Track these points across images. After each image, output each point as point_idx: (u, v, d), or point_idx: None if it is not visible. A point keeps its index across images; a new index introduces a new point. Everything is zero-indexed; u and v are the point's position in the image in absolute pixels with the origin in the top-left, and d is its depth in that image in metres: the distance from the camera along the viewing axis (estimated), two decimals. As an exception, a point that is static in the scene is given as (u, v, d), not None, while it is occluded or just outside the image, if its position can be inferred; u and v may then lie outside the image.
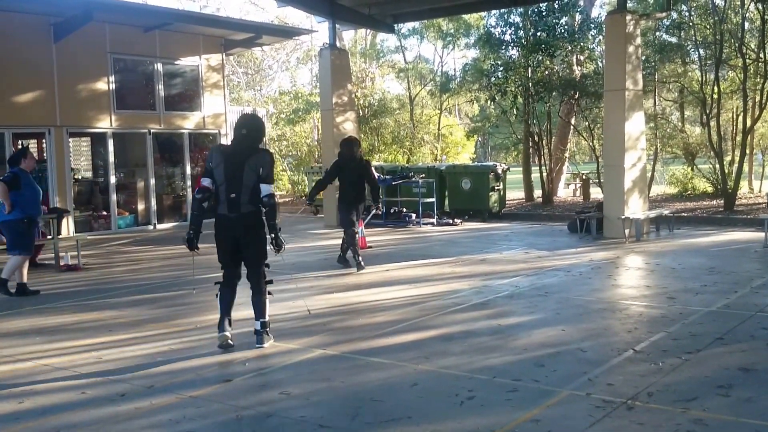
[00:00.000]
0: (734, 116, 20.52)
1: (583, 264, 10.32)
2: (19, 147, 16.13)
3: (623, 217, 12.88)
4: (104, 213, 16.54)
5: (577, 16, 20.78)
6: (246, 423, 4.51)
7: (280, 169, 28.63)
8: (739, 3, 18.02)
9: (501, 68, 20.25)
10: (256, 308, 6.19)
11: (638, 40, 14.03)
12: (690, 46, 20.32)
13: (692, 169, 20.45)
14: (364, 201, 10.51)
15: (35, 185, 9.41)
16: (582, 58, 20.77)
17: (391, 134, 26.84)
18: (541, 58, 19.36)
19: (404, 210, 17.12)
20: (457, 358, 5.71)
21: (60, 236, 12.13)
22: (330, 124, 17.44)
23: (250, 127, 6.13)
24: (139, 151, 17.34)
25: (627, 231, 12.78)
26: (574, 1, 19.61)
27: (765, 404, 4.56)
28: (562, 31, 19.45)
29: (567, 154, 23.53)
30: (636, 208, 13.46)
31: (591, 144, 20.71)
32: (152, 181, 17.19)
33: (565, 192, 23.90)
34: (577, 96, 19.60)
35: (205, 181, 6.14)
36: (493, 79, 20.46)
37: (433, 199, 16.89)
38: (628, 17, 13.49)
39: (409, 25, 26.40)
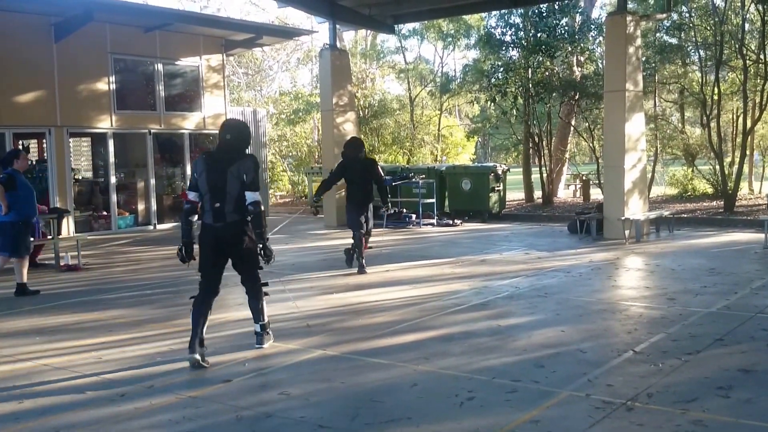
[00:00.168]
0: (734, 117, 20.52)
1: (583, 265, 10.32)
2: (20, 147, 16.18)
3: (623, 218, 12.88)
4: (104, 213, 16.55)
5: (578, 17, 20.78)
6: (245, 423, 4.51)
7: (281, 169, 28.65)
8: (739, 4, 18.02)
9: (501, 69, 20.26)
10: (253, 312, 6.13)
11: (638, 41, 14.04)
12: (690, 48, 20.32)
13: (692, 171, 20.45)
14: (372, 201, 10.26)
15: (29, 185, 9.42)
16: (582, 59, 20.78)
17: (391, 135, 26.85)
18: (541, 59, 19.37)
19: (404, 210, 17.13)
20: (456, 359, 5.71)
21: (60, 236, 12.14)
22: (330, 125, 17.45)
23: (234, 133, 5.92)
24: (139, 152, 17.35)
25: (627, 232, 12.78)
26: (574, 2, 19.62)
27: (765, 405, 4.56)
28: (563, 32, 19.46)
29: (567, 155, 23.53)
30: (636, 209, 13.46)
31: (591, 145, 20.71)
32: (152, 182, 17.20)
33: (565, 193, 23.90)
34: (577, 97, 19.60)
35: (191, 195, 5.95)
36: (493, 79, 20.47)
37: (433, 200, 16.90)
38: (629, 18, 13.50)
39: (410, 25, 26.39)
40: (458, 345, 6.14)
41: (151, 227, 16.96)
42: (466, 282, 9.16)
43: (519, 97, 19.85)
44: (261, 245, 5.88)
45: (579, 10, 21.08)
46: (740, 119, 18.90)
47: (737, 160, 17.86)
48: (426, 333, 6.61)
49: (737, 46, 17.45)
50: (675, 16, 18.86)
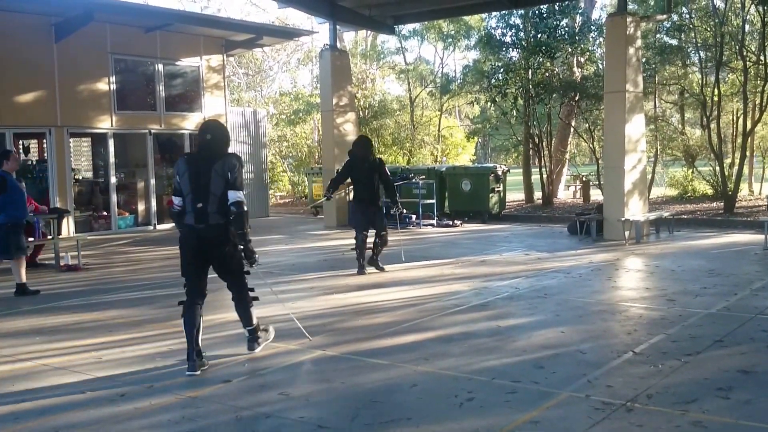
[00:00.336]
0: (734, 119, 20.52)
1: (583, 266, 10.32)
2: (20, 147, 16.19)
3: (623, 219, 12.88)
4: (104, 213, 16.56)
5: (578, 18, 20.78)
6: (245, 423, 4.51)
7: (281, 170, 28.65)
8: (739, 5, 18.03)
9: (501, 70, 20.26)
10: (241, 318, 5.97)
11: (639, 42, 14.04)
12: (690, 49, 20.33)
13: (692, 172, 20.45)
14: (379, 201, 10.08)
15: (20, 188, 9.39)
16: (582, 60, 20.79)
17: (391, 135, 26.86)
18: (541, 59, 19.37)
19: (404, 211, 17.11)
20: (456, 360, 5.72)
21: (60, 236, 12.14)
22: (330, 125, 17.46)
23: (214, 132, 5.73)
24: (139, 152, 17.37)
25: (627, 233, 12.78)
26: (574, 3, 19.62)
27: (764, 406, 4.56)
28: (563, 33, 19.46)
29: (567, 156, 23.54)
30: (636, 210, 13.46)
31: (591, 146, 20.71)
32: (152, 182, 17.22)
33: (565, 194, 23.90)
34: (577, 98, 19.61)
35: (176, 200, 5.75)
36: (493, 80, 20.47)
37: (433, 201, 16.90)
38: (629, 19, 13.51)
39: (410, 26, 26.41)
40: (458, 346, 6.14)
41: (151, 227, 16.97)
42: (466, 283, 9.16)
43: (519, 98, 19.86)
44: (242, 246, 5.66)
45: (579, 11, 21.09)
46: (740, 120, 18.91)
47: (737, 161, 17.87)
48: (426, 333, 6.61)
49: (737, 47, 17.46)
50: (675, 17, 18.87)
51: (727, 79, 20.38)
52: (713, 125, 18.46)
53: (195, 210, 5.59)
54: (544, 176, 20.51)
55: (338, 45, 18.31)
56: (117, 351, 6.24)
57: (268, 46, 25.41)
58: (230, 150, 5.88)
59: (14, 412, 4.79)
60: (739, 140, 18.07)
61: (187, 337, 5.57)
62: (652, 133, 19.56)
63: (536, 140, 20.78)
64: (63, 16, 15.07)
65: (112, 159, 16.51)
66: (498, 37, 20.45)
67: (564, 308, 7.54)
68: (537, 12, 19.29)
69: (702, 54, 19.69)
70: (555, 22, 19.20)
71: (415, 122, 27.21)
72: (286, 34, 22.86)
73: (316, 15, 18.33)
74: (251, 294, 5.97)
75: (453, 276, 9.75)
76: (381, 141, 26.46)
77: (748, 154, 19.54)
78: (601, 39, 18.88)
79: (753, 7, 17.48)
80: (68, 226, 14.96)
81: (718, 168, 17.84)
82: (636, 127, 13.64)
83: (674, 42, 20.21)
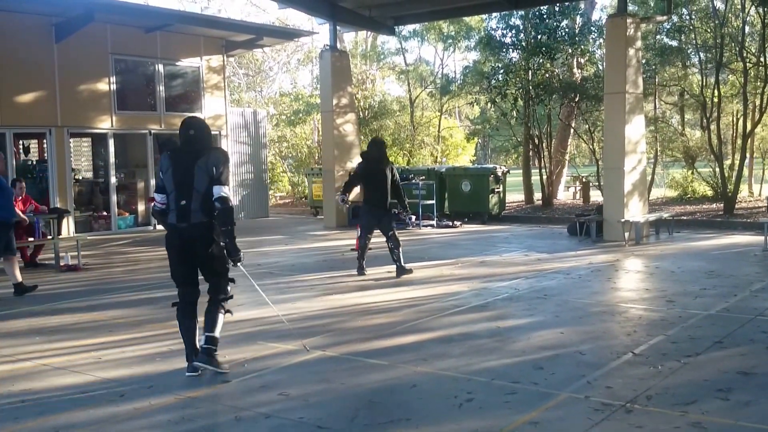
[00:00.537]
0: (734, 120, 20.53)
1: (583, 267, 10.32)
2: (20, 147, 16.20)
3: (623, 220, 12.89)
4: (104, 213, 16.57)
5: (578, 19, 20.79)
6: (244, 424, 4.51)
7: (281, 170, 28.66)
8: (739, 6, 18.04)
9: (501, 71, 20.27)
10: (206, 320, 5.52)
11: (639, 44, 14.05)
12: (690, 50, 20.35)
13: (692, 173, 20.46)
14: (388, 203, 9.88)
15: (9, 188, 9.42)
16: (582, 61, 20.80)
17: (391, 136, 26.85)
18: (541, 60, 19.38)
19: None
20: (455, 360, 5.72)
21: (60, 236, 12.14)
22: (330, 126, 17.47)
23: (196, 128, 5.53)
24: (139, 152, 17.37)
25: (627, 234, 12.79)
26: (574, 4, 19.63)
27: (764, 408, 4.57)
28: (563, 34, 19.47)
29: (567, 157, 23.55)
30: (636, 211, 13.46)
31: (591, 147, 20.72)
32: (153, 182, 17.19)
33: (565, 195, 23.91)
34: (577, 99, 19.61)
35: (159, 197, 5.53)
36: (493, 81, 20.48)
37: (433, 201, 16.91)
38: (629, 20, 13.51)
39: (410, 27, 26.41)
40: (457, 346, 6.14)
41: (151, 228, 16.96)
42: (466, 283, 9.16)
43: (519, 99, 19.87)
44: (225, 243, 5.41)
45: (579, 12, 21.10)
46: (740, 122, 18.92)
47: (737, 162, 17.88)
48: (425, 334, 6.61)
49: (737, 48, 17.47)
50: (675, 19, 18.89)
51: (727, 80, 20.40)
52: (713, 126, 18.48)
53: (178, 208, 5.39)
54: (544, 177, 20.51)
55: (338, 46, 18.32)
56: (117, 351, 6.24)
57: (268, 46, 25.39)
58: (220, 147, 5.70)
59: (14, 413, 4.79)
60: (739, 141, 18.08)
61: (183, 340, 5.55)
62: (652, 134, 19.58)
63: (536, 141, 20.79)
64: (63, 16, 15.08)
65: (112, 159, 16.52)
66: (498, 38, 20.46)
67: (563, 309, 7.54)
68: (537, 13, 19.30)
69: (702, 55, 19.72)
70: (555, 23, 19.21)
71: (415, 123, 27.22)
72: (287, 34, 22.87)
73: (316, 15, 18.34)
74: (226, 306, 5.61)
75: (453, 277, 9.75)
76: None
77: (748, 155, 19.57)
78: (601, 40, 18.90)
79: (753, 8, 17.49)
80: (68, 226, 14.97)
81: (717, 169, 17.85)
82: (636, 128, 13.65)
83: (674, 43, 20.22)
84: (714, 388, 4.90)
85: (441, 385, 5.17)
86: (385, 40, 32.38)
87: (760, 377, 5.16)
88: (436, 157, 27.01)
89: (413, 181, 17.07)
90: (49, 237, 11.54)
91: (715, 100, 18.33)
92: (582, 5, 22.41)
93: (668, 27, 19.41)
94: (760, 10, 16.63)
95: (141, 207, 17.32)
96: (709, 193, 19.28)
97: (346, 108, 17.72)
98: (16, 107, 14.74)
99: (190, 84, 18.30)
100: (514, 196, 22.34)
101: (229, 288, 5.63)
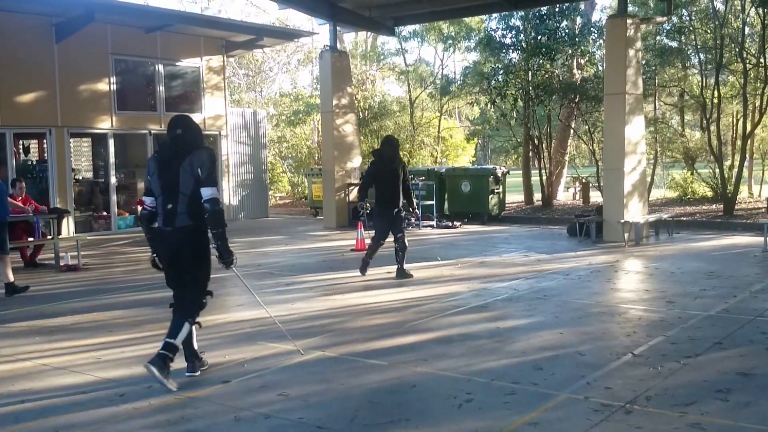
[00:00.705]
0: (734, 121, 20.53)
1: (583, 267, 10.33)
2: (20, 147, 16.20)
3: (623, 220, 12.89)
4: (104, 213, 16.58)
5: (578, 20, 20.80)
6: (244, 424, 4.52)
7: (280, 170, 28.67)
8: (739, 7, 18.05)
9: (501, 71, 20.28)
10: (171, 325, 5.29)
11: (639, 44, 14.06)
12: (690, 51, 20.35)
13: (692, 174, 20.47)
14: (400, 203, 9.70)
15: (2, 187, 9.41)
16: (582, 61, 20.80)
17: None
18: (541, 61, 19.39)
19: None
20: (455, 361, 5.72)
21: (60, 236, 12.14)
22: (330, 126, 17.47)
23: (184, 127, 5.33)
24: (139, 152, 17.37)
25: (626, 235, 12.79)
26: (574, 5, 19.64)
27: (763, 409, 4.57)
28: (563, 34, 19.48)
29: (567, 158, 23.54)
30: (635, 211, 13.47)
31: (591, 148, 20.72)
32: (152, 183, 17.19)
33: (565, 195, 23.91)
34: (577, 99, 19.62)
35: (147, 200, 5.38)
36: (493, 82, 20.49)
37: (433, 202, 16.91)
38: (629, 21, 13.52)
39: (410, 27, 26.40)
40: (457, 347, 6.14)
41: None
42: (465, 284, 9.17)
43: (519, 100, 19.88)
44: (216, 247, 5.22)
45: (579, 13, 21.12)
46: (740, 123, 18.92)
47: (737, 163, 17.88)
48: (425, 335, 6.61)
49: (737, 49, 17.48)
50: (675, 20, 18.90)
51: (726, 81, 20.40)
52: (713, 127, 18.48)
53: (165, 212, 5.21)
54: (544, 178, 20.52)
55: (338, 46, 18.33)
56: (117, 351, 6.24)
57: (268, 47, 25.43)
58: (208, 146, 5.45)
59: (14, 412, 4.79)
60: (739, 142, 18.08)
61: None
62: (651, 135, 19.58)
63: (536, 142, 20.79)
64: (64, 16, 15.09)
65: (112, 159, 16.52)
66: (498, 39, 20.46)
67: (563, 310, 7.55)
68: (537, 14, 19.31)
69: (702, 56, 19.72)
70: (555, 24, 19.22)
71: (414, 123, 27.22)
72: (287, 35, 22.89)
73: (316, 16, 18.35)
74: (197, 317, 5.37)
75: (452, 277, 9.75)
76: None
77: (747, 156, 19.56)
78: (601, 41, 18.90)
79: (753, 9, 17.50)
80: (68, 226, 14.98)
81: (717, 170, 17.85)
82: (636, 129, 13.65)
83: (674, 44, 20.23)
84: (713, 389, 4.90)
85: (440, 385, 5.17)
86: (385, 41, 32.40)
87: (760, 378, 5.16)
88: (436, 158, 27.01)
89: (413, 181, 17.05)
90: (49, 237, 11.55)
91: (715, 101, 18.33)
92: (582, 6, 22.42)
93: (668, 28, 19.42)
94: (760, 11, 16.64)
95: (141, 207, 17.32)
96: (709, 194, 19.28)
97: (345, 108, 17.72)
98: (16, 107, 14.75)
99: (190, 84, 18.31)
100: (514, 197, 22.35)
101: (205, 300, 5.41)
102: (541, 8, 18.95)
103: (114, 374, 5.57)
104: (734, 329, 6.54)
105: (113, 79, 16.39)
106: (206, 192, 5.13)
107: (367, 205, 9.69)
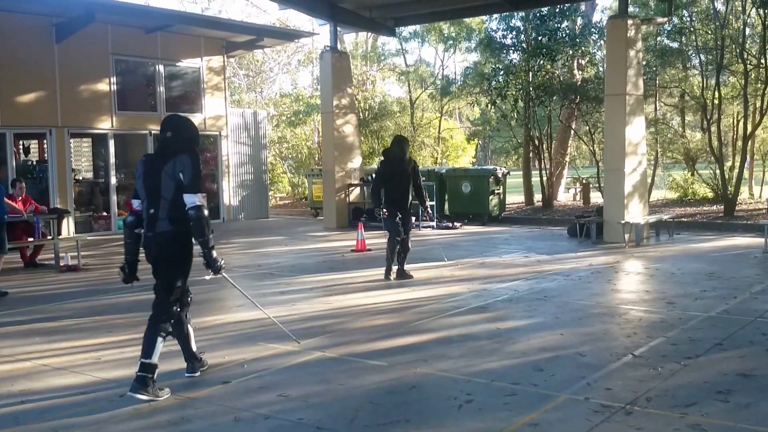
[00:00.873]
0: (735, 122, 20.54)
1: (583, 268, 10.32)
2: (20, 147, 16.20)
3: (623, 221, 12.88)
4: (104, 214, 16.58)
5: (579, 21, 20.79)
6: (244, 425, 4.51)
7: (281, 171, 28.67)
8: (740, 8, 18.04)
9: (502, 72, 20.27)
10: (143, 343, 5.06)
11: (639, 45, 14.05)
12: (691, 52, 20.34)
13: (692, 175, 20.47)
14: (409, 203, 9.60)
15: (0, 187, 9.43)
16: (583, 62, 20.81)
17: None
18: (542, 62, 19.39)
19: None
20: (455, 362, 5.71)
21: (60, 237, 12.15)
22: (330, 127, 17.47)
23: (175, 129, 5.13)
24: (139, 152, 17.30)
25: (627, 236, 12.78)
26: (575, 6, 19.64)
27: (764, 410, 4.56)
28: (564, 35, 19.47)
29: (567, 159, 23.54)
30: (636, 212, 13.46)
31: (591, 148, 20.71)
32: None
33: (565, 196, 23.91)
34: (577, 100, 19.61)
35: (135, 203, 5.24)
36: (493, 82, 20.48)
37: (433, 203, 16.86)
38: (630, 22, 13.52)
39: (410, 28, 26.42)
40: (457, 348, 6.14)
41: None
42: (466, 285, 9.16)
43: (519, 100, 19.87)
44: (202, 254, 5.06)
45: (580, 14, 21.11)
46: (741, 123, 18.93)
47: (737, 164, 17.87)
48: (425, 335, 6.61)
49: (738, 50, 17.48)
50: (676, 20, 18.89)
51: (727, 82, 20.40)
52: (713, 128, 18.47)
53: (148, 216, 5.07)
54: (544, 179, 20.51)
55: (339, 46, 18.33)
56: (116, 351, 6.24)
57: (268, 47, 25.43)
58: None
59: (13, 413, 4.78)
60: (740, 143, 18.08)
61: (180, 345, 5.49)
62: (652, 135, 19.57)
63: (536, 142, 20.79)
64: (64, 16, 15.09)
65: (112, 159, 16.53)
66: (499, 39, 20.46)
67: (563, 311, 7.54)
68: (538, 14, 19.30)
69: (702, 57, 19.71)
70: (556, 25, 19.22)
71: (415, 124, 27.23)
72: (287, 35, 22.89)
73: (316, 16, 18.35)
74: (167, 328, 5.13)
75: (452, 278, 9.74)
76: (381, 143, 26.48)
77: (748, 157, 19.56)
78: (602, 42, 18.91)
79: (754, 10, 17.50)
80: (68, 227, 14.97)
81: (718, 171, 17.85)
82: (636, 130, 13.64)
83: (675, 45, 20.22)
84: (714, 390, 4.90)
85: (441, 386, 5.16)
86: (385, 41, 32.42)
87: (760, 379, 5.16)
88: (437, 159, 27.02)
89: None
90: (49, 237, 11.54)
91: (716, 101, 18.32)
92: (583, 7, 22.43)
93: (669, 29, 19.41)
94: (761, 12, 16.64)
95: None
96: (710, 194, 19.28)
97: (346, 109, 17.72)
98: (16, 107, 14.75)
99: (190, 85, 18.31)
100: (515, 198, 22.35)
101: (175, 309, 5.18)
102: (542, 9, 18.95)
103: (114, 374, 5.57)
104: (735, 330, 6.54)
105: (113, 80, 16.40)
106: (189, 199, 4.93)
107: (384, 210, 9.43)
